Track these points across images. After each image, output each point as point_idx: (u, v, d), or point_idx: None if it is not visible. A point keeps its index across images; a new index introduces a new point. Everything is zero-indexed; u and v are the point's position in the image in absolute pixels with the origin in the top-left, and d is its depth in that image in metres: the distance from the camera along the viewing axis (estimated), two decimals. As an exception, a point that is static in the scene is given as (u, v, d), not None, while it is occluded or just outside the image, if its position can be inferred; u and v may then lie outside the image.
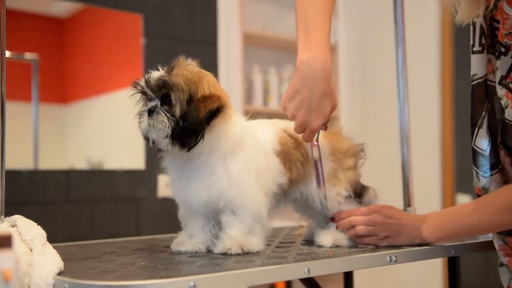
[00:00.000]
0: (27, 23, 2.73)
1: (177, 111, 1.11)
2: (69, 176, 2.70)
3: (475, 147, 1.27)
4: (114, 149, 2.94)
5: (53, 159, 2.73)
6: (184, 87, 1.12)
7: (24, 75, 2.70)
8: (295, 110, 1.16)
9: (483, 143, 1.25)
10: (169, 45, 3.02)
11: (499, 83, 1.18)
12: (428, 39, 3.24)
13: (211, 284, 0.90)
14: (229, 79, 3.17)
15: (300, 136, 1.24)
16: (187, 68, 1.16)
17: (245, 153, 1.18)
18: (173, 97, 1.11)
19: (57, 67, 2.84)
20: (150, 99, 1.15)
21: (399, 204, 1.74)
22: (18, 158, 2.60)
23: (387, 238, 1.23)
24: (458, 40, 3.15)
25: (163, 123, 1.10)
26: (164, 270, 0.98)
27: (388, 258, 1.15)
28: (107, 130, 2.96)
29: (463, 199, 3.07)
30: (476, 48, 1.28)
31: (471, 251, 1.34)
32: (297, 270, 1.02)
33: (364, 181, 1.36)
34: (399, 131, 1.76)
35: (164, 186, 2.93)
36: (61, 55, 2.88)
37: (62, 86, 2.89)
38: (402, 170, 1.73)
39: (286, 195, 1.28)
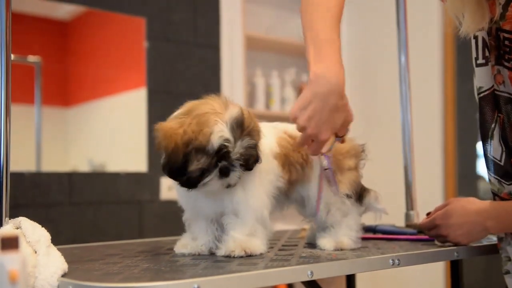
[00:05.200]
0: (30, 26, 2.74)
1: (253, 164, 1.15)
2: (71, 179, 2.70)
3: (493, 158, 1.27)
4: (116, 151, 2.95)
5: (56, 162, 2.74)
6: (258, 140, 1.15)
7: (27, 77, 2.71)
8: (307, 120, 1.13)
9: (497, 154, 1.26)
10: (172, 48, 3.03)
11: None
12: (430, 43, 3.24)
13: (215, 286, 0.90)
14: (231, 83, 3.17)
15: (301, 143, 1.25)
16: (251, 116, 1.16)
17: None
18: (255, 154, 1.15)
19: (60, 70, 2.85)
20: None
21: (401, 207, 1.74)
22: (21, 161, 2.61)
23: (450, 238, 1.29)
24: (460, 43, 3.15)
25: (238, 178, 1.13)
26: (168, 272, 0.98)
27: (391, 261, 1.15)
28: (110, 133, 2.96)
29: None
30: (480, 61, 1.27)
31: (474, 254, 1.34)
32: (301, 273, 1.02)
33: (367, 184, 1.36)
34: (401, 134, 1.76)
35: (167, 189, 2.93)
36: (64, 58, 2.89)
37: (65, 88, 2.90)
38: (405, 174, 1.74)
39: (288, 196, 1.29)
